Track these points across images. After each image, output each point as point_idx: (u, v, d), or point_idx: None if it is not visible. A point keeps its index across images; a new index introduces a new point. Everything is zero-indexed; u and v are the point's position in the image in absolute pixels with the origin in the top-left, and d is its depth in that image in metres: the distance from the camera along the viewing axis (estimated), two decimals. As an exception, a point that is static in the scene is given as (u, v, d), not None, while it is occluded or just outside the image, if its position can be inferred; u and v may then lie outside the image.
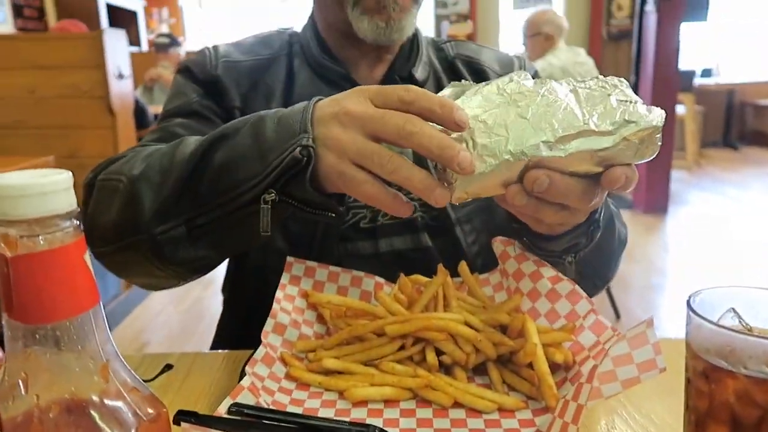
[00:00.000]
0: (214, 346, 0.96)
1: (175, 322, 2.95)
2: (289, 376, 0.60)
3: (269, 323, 0.62)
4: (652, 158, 0.51)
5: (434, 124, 0.50)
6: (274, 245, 0.80)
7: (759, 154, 7.18)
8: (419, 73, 0.86)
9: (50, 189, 0.29)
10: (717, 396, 0.41)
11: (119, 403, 0.32)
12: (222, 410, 0.49)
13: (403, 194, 0.53)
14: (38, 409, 0.31)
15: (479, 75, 0.89)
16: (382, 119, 0.50)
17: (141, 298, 3.12)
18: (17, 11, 4.27)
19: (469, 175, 0.48)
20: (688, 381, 0.44)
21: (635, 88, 4.57)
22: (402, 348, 0.61)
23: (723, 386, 0.41)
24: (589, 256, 0.66)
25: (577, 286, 0.62)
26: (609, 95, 0.50)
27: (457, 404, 0.56)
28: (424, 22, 5.56)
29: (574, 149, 0.49)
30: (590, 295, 0.63)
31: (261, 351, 0.59)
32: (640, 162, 0.51)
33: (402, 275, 0.67)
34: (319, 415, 0.55)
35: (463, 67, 0.90)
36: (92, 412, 0.31)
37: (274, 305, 0.63)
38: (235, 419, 0.49)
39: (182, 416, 0.48)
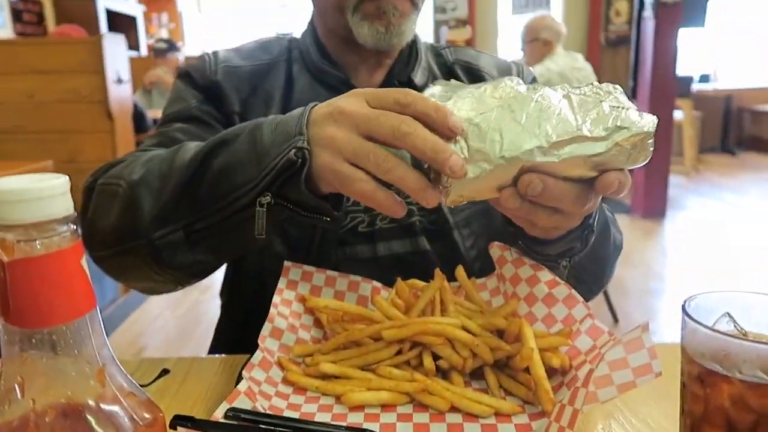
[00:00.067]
0: (212, 350, 0.96)
1: (172, 326, 2.94)
2: (286, 381, 0.60)
3: (266, 327, 0.62)
4: (644, 163, 0.51)
5: None
6: (273, 249, 0.80)
7: (756, 159, 7.20)
8: (418, 78, 0.87)
9: (47, 194, 0.29)
10: (712, 400, 0.41)
11: (116, 408, 0.32)
12: (219, 415, 0.49)
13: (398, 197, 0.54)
14: (34, 414, 0.31)
15: (478, 81, 0.89)
16: (377, 119, 0.51)
17: (139, 302, 3.11)
18: (16, 16, 4.27)
19: (463, 178, 0.49)
20: (683, 385, 0.44)
21: (633, 94, 4.58)
22: (399, 352, 0.61)
23: (718, 391, 0.41)
24: (584, 261, 0.66)
25: (573, 291, 0.63)
26: (602, 101, 0.51)
27: (453, 409, 0.56)
28: (423, 27, 5.57)
29: (568, 155, 0.49)
30: (586, 299, 0.63)
31: (258, 355, 0.59)
32: (632, 167, 0.51)
33: (399, 280, 0.67)
34: (316, 419, 0.55)
35: (461, 72, 0.91)
36: (88, 416, 0.31)
37: (272, 309, 0.64)
38: (232, 424, 0.49)
39: (179, 421, 0.48)
